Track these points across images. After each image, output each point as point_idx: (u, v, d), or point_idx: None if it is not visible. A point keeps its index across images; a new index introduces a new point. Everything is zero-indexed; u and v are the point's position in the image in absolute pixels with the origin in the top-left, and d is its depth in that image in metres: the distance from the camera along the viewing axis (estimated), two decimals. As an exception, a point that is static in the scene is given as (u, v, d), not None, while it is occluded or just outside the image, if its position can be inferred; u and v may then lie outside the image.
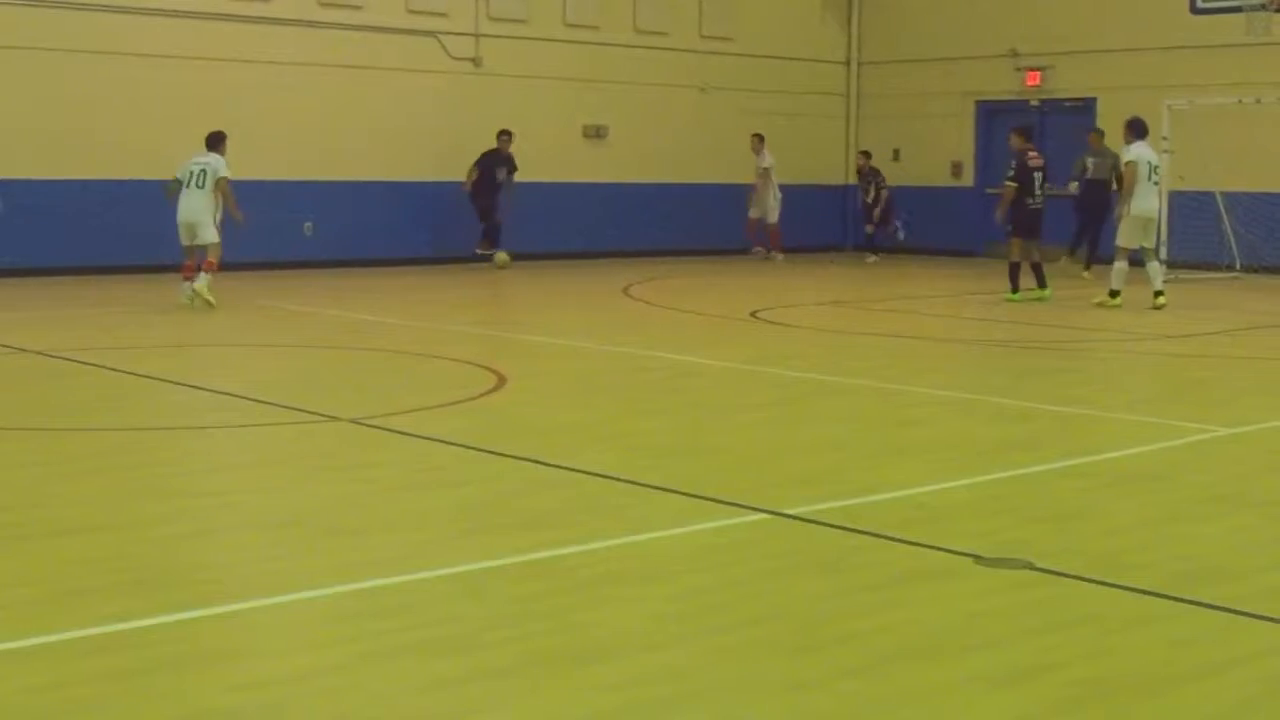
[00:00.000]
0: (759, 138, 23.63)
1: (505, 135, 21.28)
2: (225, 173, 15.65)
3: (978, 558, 5.89)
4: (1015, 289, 16.87)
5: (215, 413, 9.44)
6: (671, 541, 6.27)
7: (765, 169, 23.39)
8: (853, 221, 25.79)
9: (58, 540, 6.14)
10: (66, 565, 5.74)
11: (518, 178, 21.36)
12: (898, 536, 6.26)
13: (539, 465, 7.67)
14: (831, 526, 6.44)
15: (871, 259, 23.74)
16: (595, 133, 23.35)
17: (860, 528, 6.40)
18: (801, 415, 9.78)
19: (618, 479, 7.34)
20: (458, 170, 21.19)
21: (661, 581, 5.68)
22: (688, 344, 13.16)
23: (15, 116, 18.17)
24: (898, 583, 5.70)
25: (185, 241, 15.96)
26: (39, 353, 11.90)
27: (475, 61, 22.06)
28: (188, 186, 15.62)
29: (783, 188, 23.55)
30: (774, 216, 23.61)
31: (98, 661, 4.65)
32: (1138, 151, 16.13)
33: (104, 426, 8.83)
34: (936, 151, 25.43)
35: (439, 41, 21.67)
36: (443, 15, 21.69)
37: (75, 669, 4.58)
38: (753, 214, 23.74)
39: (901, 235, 24.17)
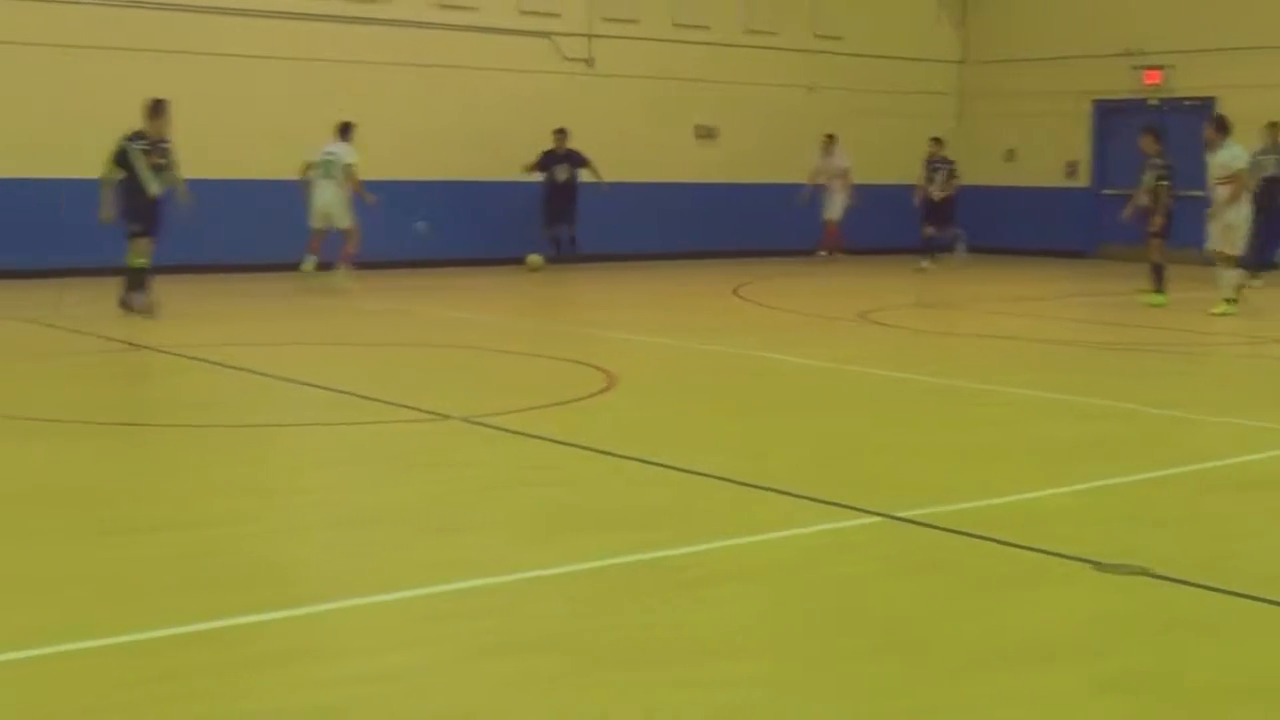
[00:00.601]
0: (831, 138, 23.16)
1: (560, 133, 20.89)
2: (351, 159, 16.83)
3: (1094, 563, 5.79)
4: (1160, 290, 16.44)
5: (327, 410, 9.53)
6: (778, 543, 6.22)
7: (845, 169, 23.04)
8: (963, 222, 25.50)
9: (157, 535, 6.21)
10: (159, 561, 5.81)
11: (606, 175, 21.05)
12: (1010, 541, 6.17)
13: (646, 465, 7.66)
14: (942, 530, 6.36)
15: (929, 265, 21.65)
16: (706, 133, 23.32)
17: (972, 531, 6.32)
18: (909, 417, 9.68)
19: (725, 479, 7.31)
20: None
21: (765, 583, 5.64)
22: (796, 344, 13.09)
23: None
24: (1010, 586, 5.63)
25: (319, 225, 17.43)
26: (150, 348, 12.11)
27: (588, 62, 22.13)
28: (320, 176, 16.88)
29: (892, 189, 23.31)
30: (838, 215, 23.14)
31: (192, 656, 4.69)
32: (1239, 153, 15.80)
33: (211, 423, 8.96)
34: (1051, 152, 25.08)
35: (552, 42, 21.77)
36: (555, 16, 21.78)
37: (170, 663, 4.62)
38: (829, 216, 23.23)
39: (963, 246, 22.43)
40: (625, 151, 22.26)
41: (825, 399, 10.39)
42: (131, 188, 13.94)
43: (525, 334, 14.23)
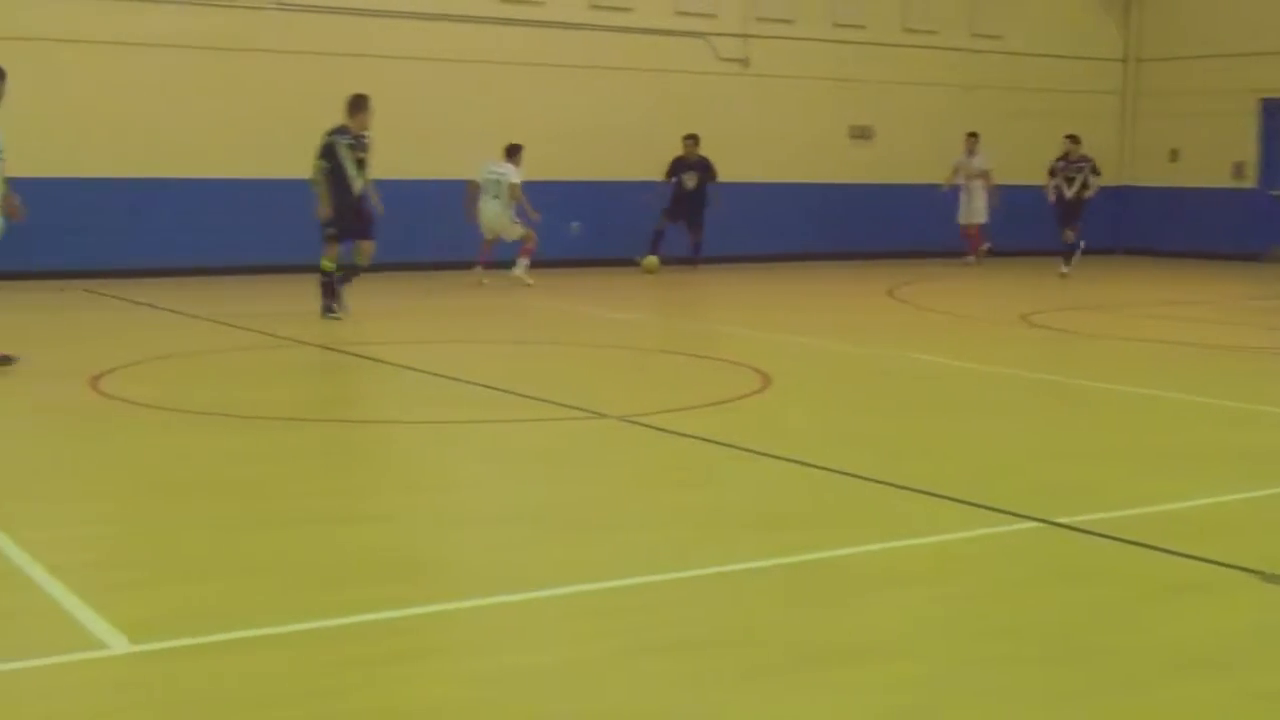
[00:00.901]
0: (974, 137, 22.61)
1: (691, 140, 20.56)
2: (516, 179, 17.52)
3: (1261, 573, 5.66)
4: None
5: (481, 408, 9.66)
6: (935, 547, 6.17)
7: (986, 170, 22.63)
8: (1124, 224, 25.03)
9: (318, 528, 6.35)
10: (327, 553, 5.94)
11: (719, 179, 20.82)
12: (1173, 549, 6.05)
13: (803, 466, 7.65)
14: (1102, 536, 6.26)
15: (1066, 269, 20.55)
16: (861, 133, 23.18)
17: (1132, 539, 6.21)
18: (1068, 421, 9.55)
19: (882, 482, 7.27)
20: (728, 171, 21.22)
21: (924, 587, 5.60)
22: (953, 348, 12.95)
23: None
24: (1174, 595, 5.53)
25: (489, 238, 18.15)
26: (322, 346, 12.37)
27: (743, 62, 22.12)
28: (485, 195, 17.47)
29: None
30: (983, 218, 22.54)
31: (353, 649, 4.78)
32: None
33: (369, 419, 9.14)
34: (1217, 152, 24.47)
35: (708, 42, 21.80)
36: (711, 16, 21.81)
37: (337, 654, 4.72)
38: (964, 219, 22.61)
39: (1080, 245, 20.77)
40: (779, 152, 22.22)
41: (984, 402, 10.27)
42: (336, 185, 13.89)
43: (677, 333, 14.29)
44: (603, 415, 9.11)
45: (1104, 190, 25.22)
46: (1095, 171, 20.94)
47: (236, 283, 17.73)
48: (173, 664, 4.60)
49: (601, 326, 14.57)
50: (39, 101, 16.76)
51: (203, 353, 11.79)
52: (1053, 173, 20.93)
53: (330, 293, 14.07)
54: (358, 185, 14.01)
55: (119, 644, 4.71)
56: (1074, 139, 21.21)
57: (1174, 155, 25.03)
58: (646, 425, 8.75)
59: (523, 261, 17.96)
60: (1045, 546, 6.23)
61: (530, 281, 17.65)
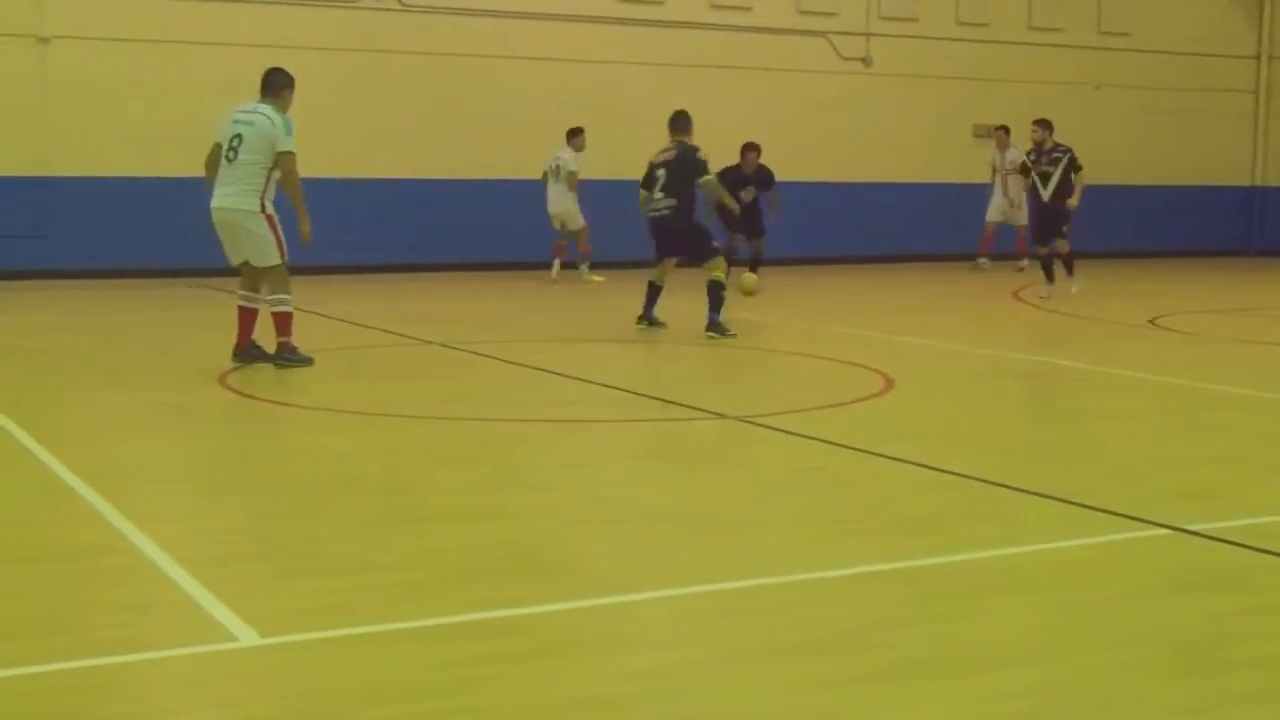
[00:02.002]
0: (1004, 130, 20.93)
1: (752, 151, 17.77)
2: (574, 166, 17.32)
3: (1398, 585, 5.52)
4: None
5: (603, 406, 9.70)
6: (1056, 553, 6.09)
7: (1018, 164, 21.70)
8: (1258, 225, 24.50)
9: (449, 525, 6.41)
10: (457, 550, 5.99)
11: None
12: (1307, 558, 5.92)
13: (925, 469, 7.58)
14: (1234, 544, 6.13)
15: (1076, 286, 17.11)
16: (987, 133, 22.92)
17: (1265, 547, 6.07)
18: (1193, 426, 9.36)
19: (1005, 486, 7.18)
20: (849, 170, 21.11)
21: (1051, 593, 5.52)
22: (1078, 350, 12.77)
23: (416, 119, 19.18)
24: (1308, 607, 5.40)
25: (557, 227, 18.25)
26: (441, 344, 12.50)
27: (865, 61, 21.99)
28: (550, 182, 17.55)
29: (1183, 189, 22.48)
30: (1023, 219, 20.03)
31: (482, 645, 4.82)
32: None
33: (494, 417, 9.20)
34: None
35: (829, 41, 21.70)
36: (833, 15, 21.71)
37: (462, 651, 4.76)
38: (993, 218, 21.21)
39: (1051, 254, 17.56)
40: (902, 151, 22.06)
41: (1111, 406, 10.10)
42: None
43: (791, 333, 14.20)
44: (723, 416, 9.10)
45: (1234, 190, 24.65)
46: (1077, 167, 16.77)
47: (353, 282, 17.96)
48: (302, 657, 4.67)
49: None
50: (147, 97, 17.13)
51: (328, 350, 11.96)
52: (1025, 169, 17.27)
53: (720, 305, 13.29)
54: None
55: (248, 637, 4.79)
56: (1045, 124, 17.13)
57: (1312, 154, 24.41)
58: (767, 426, 8.72)
59: (584, 264, 17.96)
60: (1174, 554, 6.12)
61: (599, 279, 17.64)
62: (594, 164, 18.44)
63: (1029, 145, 17.24)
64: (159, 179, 17.63)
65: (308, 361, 10.83)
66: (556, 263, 18.29)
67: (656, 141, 19.19)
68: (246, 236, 10.75)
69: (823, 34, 21.63)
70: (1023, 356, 12.21)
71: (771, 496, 7.14)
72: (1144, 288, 19.17)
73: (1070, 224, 17.03)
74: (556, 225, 18.25)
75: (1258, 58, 25.12)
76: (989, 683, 4.54)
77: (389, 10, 19.11)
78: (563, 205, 18.00)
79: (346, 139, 18.69)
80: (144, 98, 17.93)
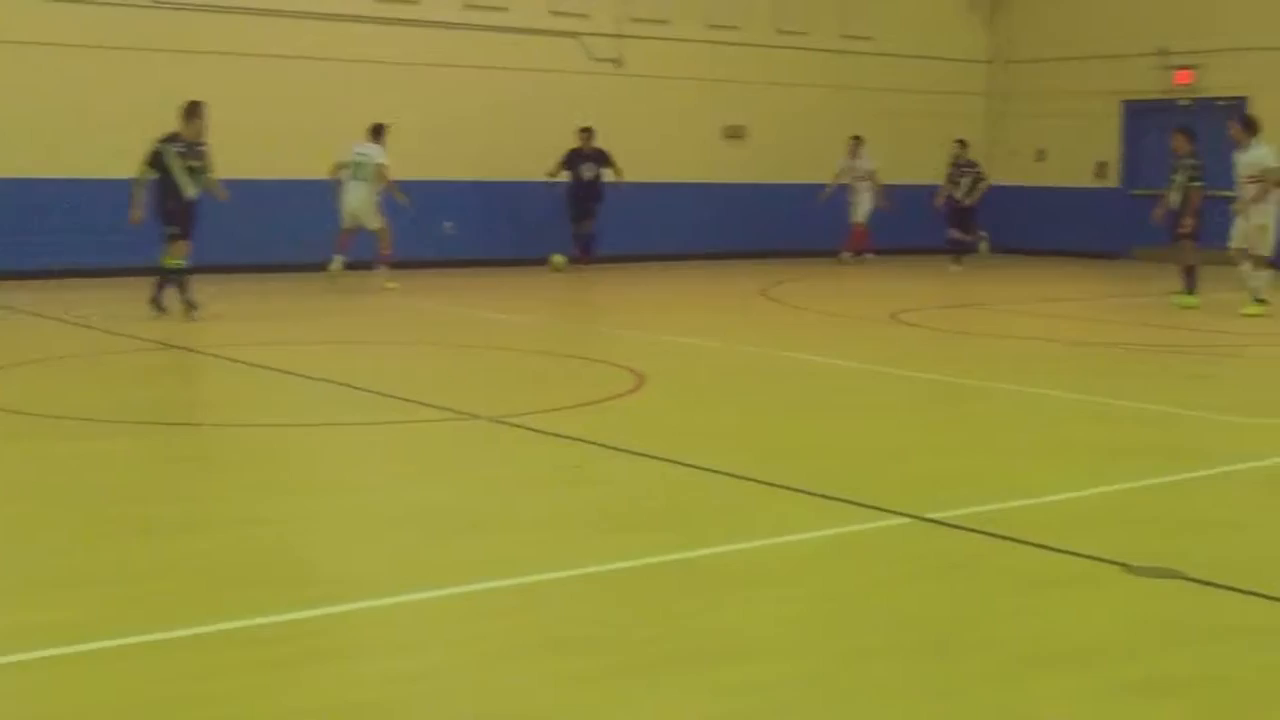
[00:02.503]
0: (858, 139, 23.01)
1: (586, 132, 20.84)
2: (383, 159, 17.02)
3: (1125, 565, 5.79)
4: (1192, 291, 16.37)
5: (357, 409, 9.57)
6: (807, 544, 6.24)
7: (872, 171, 22.83)
8: (992, 223, 25.46)
9: (196, 534, 6.27)
10: (205, 559, 5.86)
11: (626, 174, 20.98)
12: (1039, 542, 6.17)
13: (677, 465, 7.68)
14: (970, 530, 6.36)
15: (956, 268, 21.71)
16: (735, 133, 23.33)
17: (1000, 533, 6.32)
18: (934, 418, 9.69)
19: (755, 480, 7.32)
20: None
21: (797, 584, 5.65)
22: (824, 345, 13.09)
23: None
24: (1041, 589, 5.63)
25: (348, 225, 17.75)
26: (184, 349, 12.17)
27: (616, 62, 22.15)
28: (351, 177, 17.07)
29: (920, 189, 23.22)
30: (861, 217, 22.93)
31: (234, 654, 4.74)
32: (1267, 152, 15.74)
33: (242, 422, 9.02)
34: (1081, 152, 24.99)
35: (580, 42, 21.80)
36: (584, 16, 21.81)
37: (213, 661, 4.67)
38: (855, 218, 23.01)
39: (987, 247, 22.86)
40: (653, 152, 22.28)
41: (855, 400, 10.38)
42: (167, 190, 14.02)
43: (553, 334, 14.27)
44: (475, 416, 9.07)
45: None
46: (980, 179, 22.17)
47: (90, 285, 17.36)
48: (48, 674, 4.51)
49: (474, 327, 14.50)
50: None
51: (62, 357, 11.55)
52: (949, 178, 22.21)
53: (170, 286, 14.12)
54: (189, 191, 14.08)
55: (-15, 655, 4.60)
56: (962, 143, 22.43)
57: (1040, 155, 25.52)
58: (519, 426, 8.73)
59: (383, 268, 17.56)
60: (913, 542, 6.32)
61: (393, 285, 17.28)
62: (320, 165, 18.12)
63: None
64: None
65: None
66: (340, 259, 17.82)
67: (414, 140, 19.13)
68: None
69: (574, 35, 21.72)
70: (771, 352, 12.46)
71: (525, 496, 7.14)
72: (886, 284, 19.75)
73: (974, 219, 22.26)
74: (349, 223, 17.68)
75: (991, 62, 26.13)
76: (748, 672, 4.62)
77: (142, 7, 18.49)
78: (363, 202, 17.56)
79: (106, 139, 18.00)
80: None
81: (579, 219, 21.05)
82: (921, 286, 19.59)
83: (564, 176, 20.90)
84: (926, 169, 23.63)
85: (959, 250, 22.11)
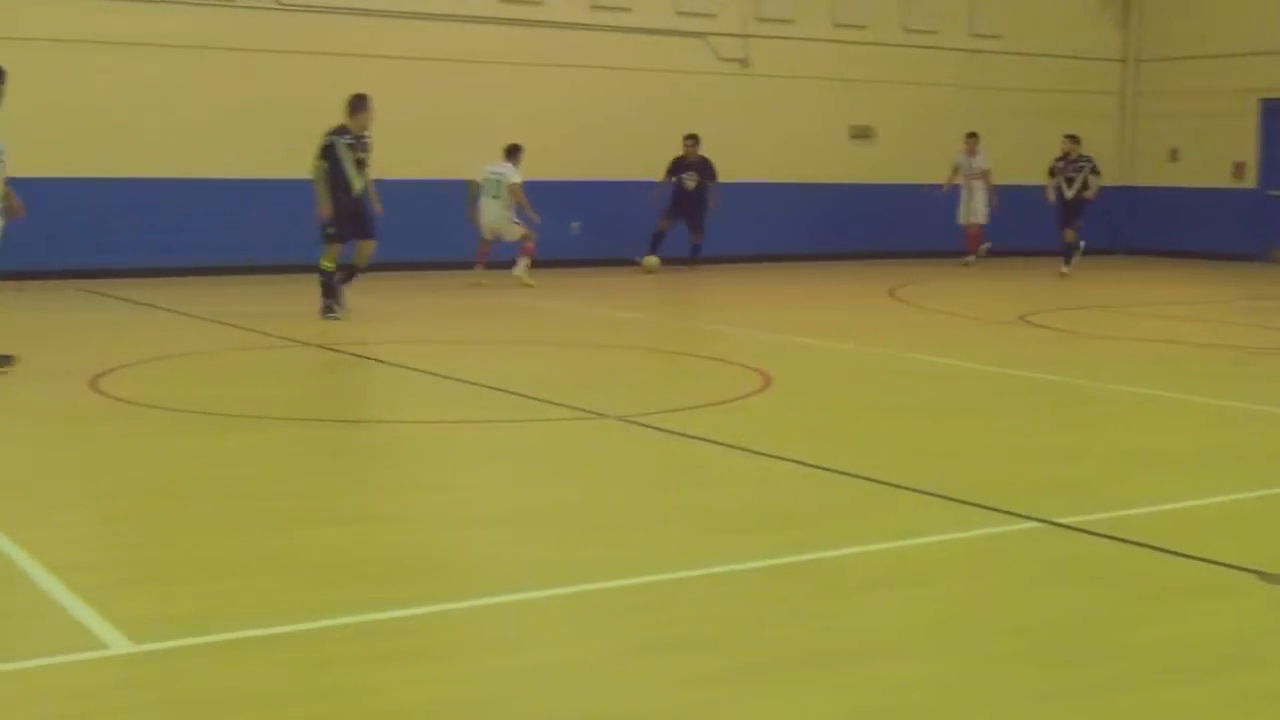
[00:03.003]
0: (974, 137, 22.41)
1: (691, 140, 20.55)
2: (515, 179, 17.65)
3: (1260, 573, 5.67)
4: None
5: (481, 408, 9.66)
6: (935, 547, 6.18)
7: (986, 170, 22.43)
8: (1124, 224, 25.05)
9: (322, 528, 6.35)
10: (330, 553, 5.94)
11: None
12: (1172, 549, 6.06)
13: (803, 466, 7.65)
14: (1100, 536, 6.27)
15: (1066, 269, 20.57)
16: (862, 133, 23.19)
17: (1130, 538, 6.21)
18: (1064, 421, 9.55)
19: (882, 482, 7.28)
20: (727, 171, 21.22)
21: (924, 587, 5.61)
22: (952, 347, 12.96)
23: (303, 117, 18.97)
24: (1173, 596, 5.53)
25: (488, 238, 18.25)
26: (318, 346, 12.37)
27: (743, 62, 22.13)
28: (485, 195, 17.51)
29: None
30: (981, 219, 22.49)
31: (356, 648, 4.78)
32: None
33: (374, 418, 9.15)
34: (1216, 152, 24.47)
35: (706, 43, 21.81)
36: (711, 16, 21.82)
37: (337, 654, 4.73)
38: (964, 219, 22.50)
39: (1080, 245, 20.88)
40: (779, 152, 22.24)
41: (984, 402, 10.28)
42: (335, 184, 13.87)
43: (679, 334, 14.29)
44: (601, 415, 9.11)
45: (1104, 190, 25.21)
46: (1095, 171, 20.90)
47: (235, 283, 17.73)
48: (174, 663, 4.60)
49: (602, 326, 14.56)
50: (36, 101, 16.74)
51: (202, 353, 11.80)
52: (1052, 172, 21.01)
53: (330, 292, 14.08)
54: (357, 185, 14.00)
55: (119, 644, 4.71)
56: (1073, 138, 21.18)
57: (1173, 155, 25.05)
58: (646, 425, 8.75)
59: (523, 262, 17.98)
60: (1045, 547, 6.24)
61: (531, 282, 17.66)
62: (473, 164, 18.36)
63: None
64: (28, 179, 17.23)
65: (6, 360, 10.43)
66: (479, 268, 18.22)
67: (537, 140, 19.26)
68: None
69: (701, 35, 21.73)
70: (899, 354, 12.37)
71: (649, 495, 7.16)
72: (1015, 286, 19.51)
73: (1083, 218, 20.83)
74: (489, 235, 18.24)
75: (1123, 60, 25.69)
76: (867, 675, 4.59)
77: (265, 9, 18.86)
78: (500, 218, 18.08)
79: (225, 138, 18.42)
80: (12, 97, 17.51)
81: (671, 222, 20.63)
82: (1051, 288, 19.30)
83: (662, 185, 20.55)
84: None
85: (1069, 251, 20.84)
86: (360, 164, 13.99)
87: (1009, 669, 4.69)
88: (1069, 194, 20.85)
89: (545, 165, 19.23)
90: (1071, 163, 20.99)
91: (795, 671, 4.61)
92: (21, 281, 16.83)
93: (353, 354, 11.92)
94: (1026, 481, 7.49)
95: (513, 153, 18.27)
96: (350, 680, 4.47)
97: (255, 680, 4.45)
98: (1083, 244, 20.77)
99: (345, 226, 14.01)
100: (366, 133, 14.15)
